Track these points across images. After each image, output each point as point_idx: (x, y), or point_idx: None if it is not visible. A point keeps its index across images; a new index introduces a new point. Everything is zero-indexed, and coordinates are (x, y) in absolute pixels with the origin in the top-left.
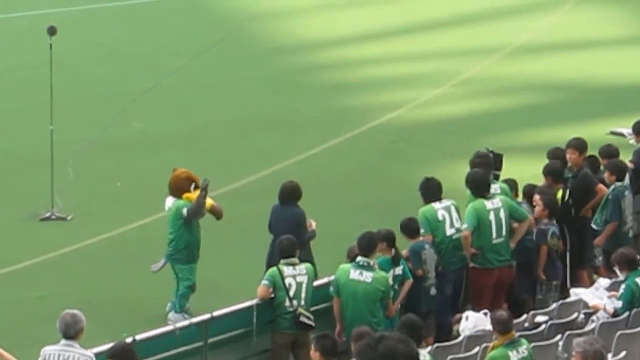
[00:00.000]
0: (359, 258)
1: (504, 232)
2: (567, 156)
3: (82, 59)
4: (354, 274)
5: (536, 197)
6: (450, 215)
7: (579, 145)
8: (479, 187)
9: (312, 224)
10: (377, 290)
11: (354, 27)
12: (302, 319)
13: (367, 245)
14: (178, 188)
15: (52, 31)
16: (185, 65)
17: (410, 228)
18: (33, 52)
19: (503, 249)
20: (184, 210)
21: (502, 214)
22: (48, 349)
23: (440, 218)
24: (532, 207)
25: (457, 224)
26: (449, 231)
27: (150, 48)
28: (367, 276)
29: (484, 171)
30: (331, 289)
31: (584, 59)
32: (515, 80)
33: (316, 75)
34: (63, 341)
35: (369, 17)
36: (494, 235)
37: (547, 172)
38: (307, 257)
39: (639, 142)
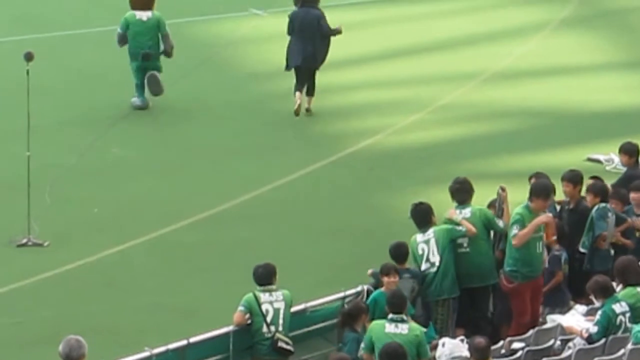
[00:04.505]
0: (390, 315)
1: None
2: (562, 189)
3: (60, 85)
4: (390, 328)
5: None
6: (429, 248)
7: (574, 177)
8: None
9: (339, 27)
10: (414, 338)
11: (330, 53)
12: (280, 344)
13: (398, 304)
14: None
15: (29, 57)
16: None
17: (395, 255)
18: (10, 78)
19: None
20: (167, 28)
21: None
22: None
23: (420, 252)
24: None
25: (432, 259)
26: (424, 266)
27: (128, 74)
28: (403, 328)
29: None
30: (362, 346)
31: (562, 85)
32: (493, 107)
33: (293, 101)
34: None
35: (345, 43)
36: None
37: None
38: (325, 48)
39: (627, 164)
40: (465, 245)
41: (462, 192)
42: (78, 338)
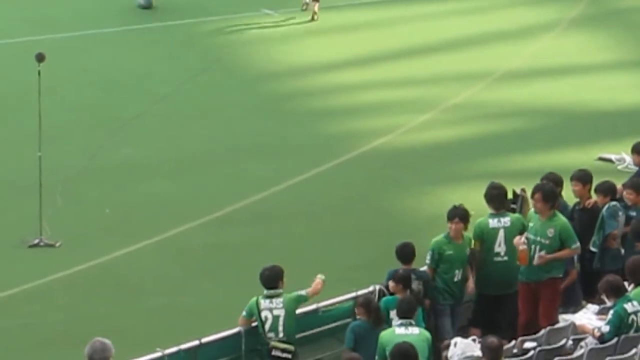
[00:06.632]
0: (400, 321)
1: None
2: (572, 188)
3: (71, 86)
4: (400, 330)
5: None
6: None
7: (583, 177)
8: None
9: None
10: (426, 338)
11: (341, 52)
12: (274, 352)
13: (407, 309)
14: None
15: (40, 58)
16: (173, 92)
17: (401, 256)
18: (21, 79)
19: None
20: None
21: None
22: None
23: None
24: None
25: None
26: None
27: (138, 75)
28: (414, 330)
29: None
30: (376, 358)
31: (572, 84)
32: (504, 106)
33: (304, 101)
34: None
35: (356, 42)
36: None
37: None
38: None
39: (638, 163)
40: (502, 254)
41: (499, 199)
42: (104, 341)
